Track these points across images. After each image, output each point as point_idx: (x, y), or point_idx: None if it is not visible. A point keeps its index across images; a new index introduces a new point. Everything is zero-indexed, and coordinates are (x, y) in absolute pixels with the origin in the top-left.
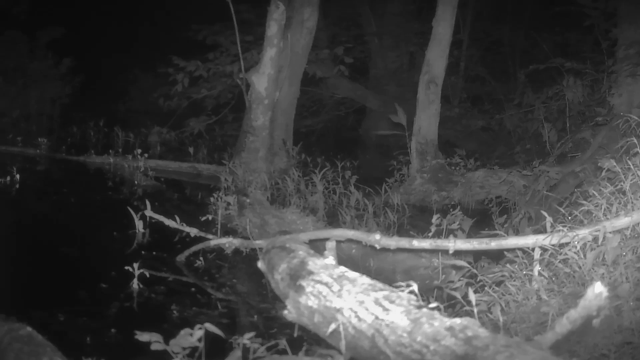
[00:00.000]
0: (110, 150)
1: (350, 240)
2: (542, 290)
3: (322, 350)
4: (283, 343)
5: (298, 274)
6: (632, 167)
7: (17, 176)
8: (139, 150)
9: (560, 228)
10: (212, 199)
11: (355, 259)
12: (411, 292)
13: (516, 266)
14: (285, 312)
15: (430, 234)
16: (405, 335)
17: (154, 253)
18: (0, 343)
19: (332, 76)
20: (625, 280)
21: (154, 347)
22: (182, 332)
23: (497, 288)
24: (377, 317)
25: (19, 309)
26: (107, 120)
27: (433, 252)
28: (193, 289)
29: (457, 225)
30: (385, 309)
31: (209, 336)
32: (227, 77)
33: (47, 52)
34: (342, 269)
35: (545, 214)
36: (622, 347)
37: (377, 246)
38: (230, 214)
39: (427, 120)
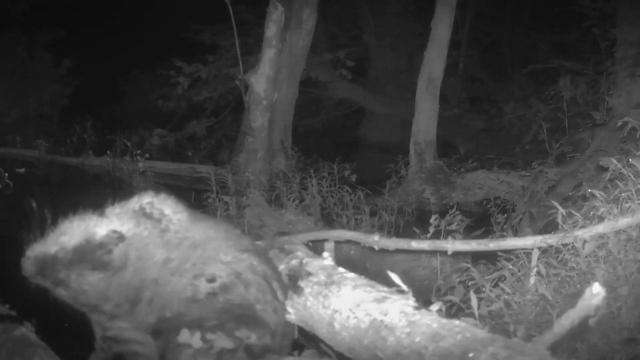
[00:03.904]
0: (109, 152)
1: (349, 241)
2: (542, 290)
3: (321, 351)
4: None
5: (297, 275)
6: (631, 167)
7: (16, 177)
8: (138, 152)
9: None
10: (210, 200)
11: (353, 259)
12: (410, 292)
13: (516, 266)
14: None
15: (428, 235)
16: (404, 336)
17: None
18: None
19: (333, 79)
20: (625, 280)
21: None
22: None
23: (496, 288)
24: (375, 318)
25: (17, 309)
26: (106, 122)
27: (432, 253)
28: None
29: (456, 226)
30: (384, 310)
31: None
32: (228, 79)
33: (46, 53)
34: (341, 269)
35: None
36: (621, 347)
37: (376, 247)
38: (228, 215)
39: (425, 121)
